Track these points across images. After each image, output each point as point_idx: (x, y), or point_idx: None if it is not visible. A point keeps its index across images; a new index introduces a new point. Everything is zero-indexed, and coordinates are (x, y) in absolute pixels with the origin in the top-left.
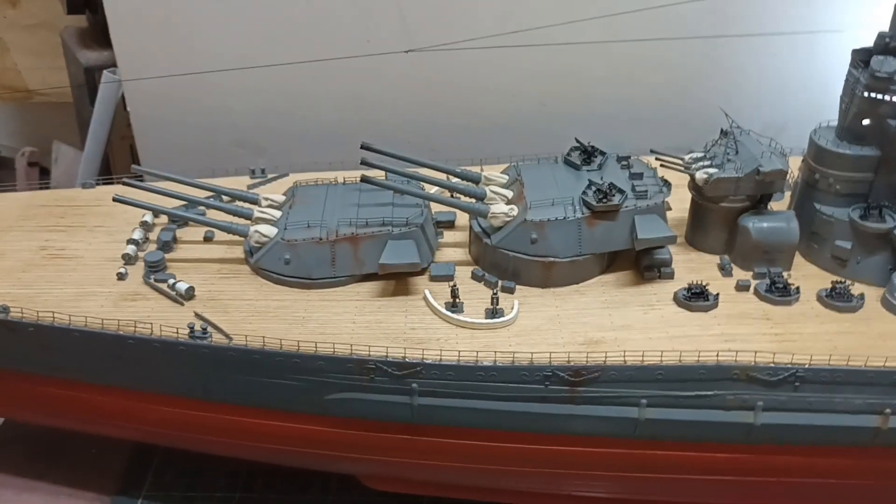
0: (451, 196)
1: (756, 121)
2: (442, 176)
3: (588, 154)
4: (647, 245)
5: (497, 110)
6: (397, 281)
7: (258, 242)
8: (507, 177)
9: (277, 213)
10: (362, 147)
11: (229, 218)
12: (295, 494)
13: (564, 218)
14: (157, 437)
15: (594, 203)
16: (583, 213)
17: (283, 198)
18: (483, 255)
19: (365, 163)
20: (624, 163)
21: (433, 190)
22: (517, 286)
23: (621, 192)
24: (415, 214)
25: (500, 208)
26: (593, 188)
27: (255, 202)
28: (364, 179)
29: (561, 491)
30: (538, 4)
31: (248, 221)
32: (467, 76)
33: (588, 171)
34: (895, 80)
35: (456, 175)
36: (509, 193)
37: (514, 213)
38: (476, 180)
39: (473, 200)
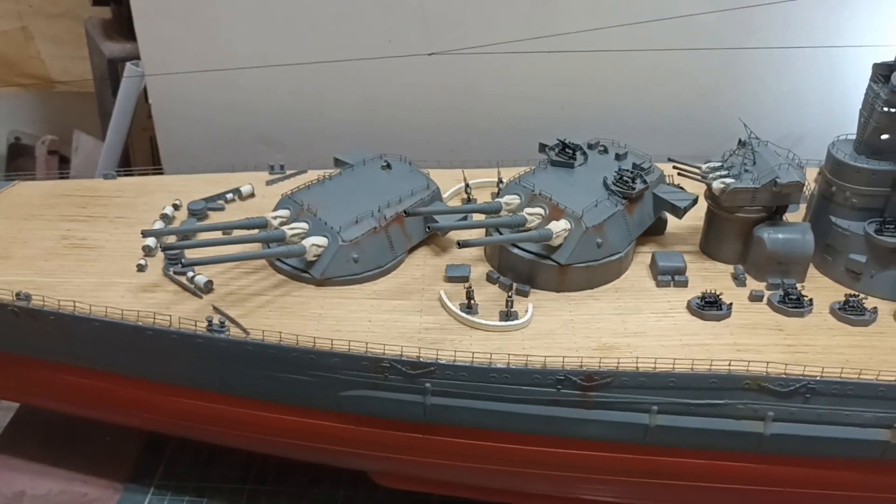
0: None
1: (773, 132)
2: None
3: (570, 149)
4: (687, 211)
5: (516, 114)
6: (413, 279)
7: (316, 256)
8: (518, 197)
9: (304, 225)
10: (406, 215)
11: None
12: (305, 488)
13: (614, 214)
14: (172, 427)
15: (631, 190)
16: (622, 204)
17: (288, 211)
18: (500, 259)
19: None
20: (600, 148)
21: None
22: (532, 290)
23: (639, 174)
24: (424, 181)
25: (557, 226)
26: (615, 177)
27: (264, 226)
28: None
29: (569, 494)
30: (561, 11)
31: (283, 242)
32: (487, 79)
33: (578, 165)
34: None
35: (482, 212)
36: (542, 211)
37: (569, 226)
38: (497, 210)
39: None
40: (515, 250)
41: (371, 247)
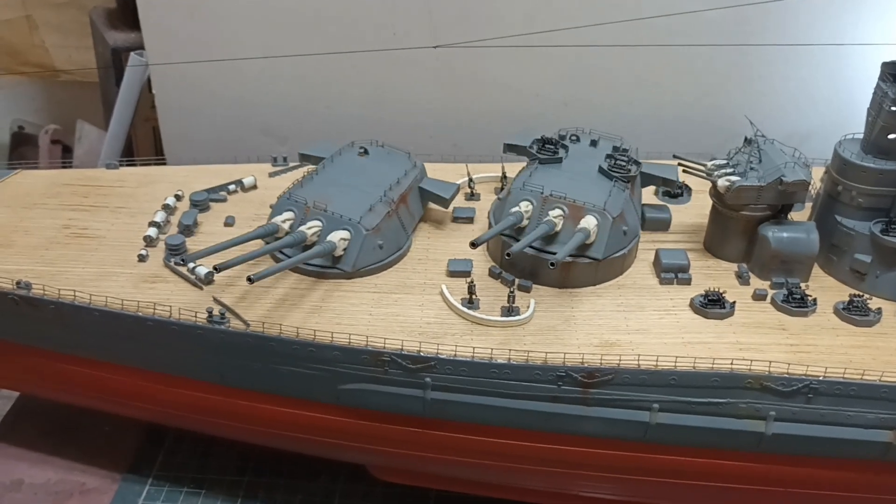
0: None
1: (779, 130)
2: None
3: (552, 144)
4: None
5: (520, 109)
6: (415, 273)
7: (344, 249)
8: (530, 203)
9: (318, 223)
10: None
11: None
12: (304, 481)
13: (626, 199)
14: (171, 418)
15: (629, 173)
16: (627, 188)
17: (292, 213)
18: (502, 255)
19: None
20: (573, 138)
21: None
22: (534, 286)
23: (630, 157)
24: (408, 160)
25: (587, 223)
26: (609, 163)
27: (275, 232)
28: None
29: (568, 491)
30: (566, 6)
31: (306, 243)
32: (492, 73)
33: (564, 159)
34: None
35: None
36: (562, 212)
37: (596, 222)
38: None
39: None
40: (583, 260)
41: (390, 231)
